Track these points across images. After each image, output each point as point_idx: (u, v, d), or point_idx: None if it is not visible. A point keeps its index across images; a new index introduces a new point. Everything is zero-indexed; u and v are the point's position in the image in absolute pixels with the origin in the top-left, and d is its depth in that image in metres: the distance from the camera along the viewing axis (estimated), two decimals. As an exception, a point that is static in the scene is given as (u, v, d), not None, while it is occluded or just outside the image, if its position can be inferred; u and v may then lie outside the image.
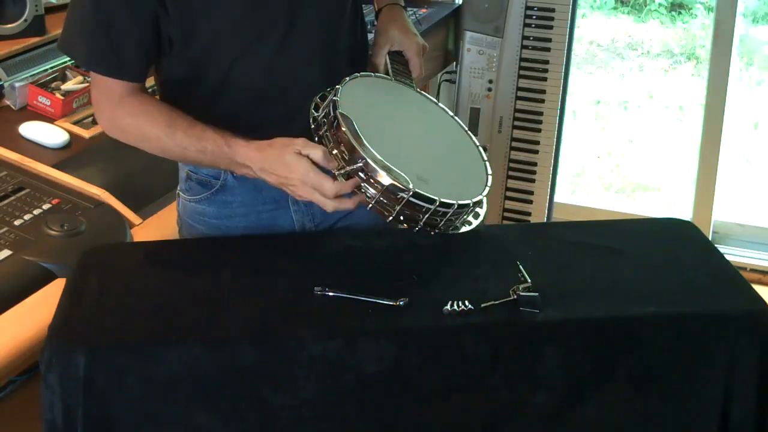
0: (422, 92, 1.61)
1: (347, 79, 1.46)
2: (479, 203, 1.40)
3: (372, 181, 1.33)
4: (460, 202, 1.35)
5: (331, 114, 1.37)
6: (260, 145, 1.41)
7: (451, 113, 1.57)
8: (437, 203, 1.32)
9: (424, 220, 1.34)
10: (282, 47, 1.48)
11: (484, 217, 1.44)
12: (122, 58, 1.44)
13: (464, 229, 1.41)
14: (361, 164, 1.32)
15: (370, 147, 1.33)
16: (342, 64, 1.57)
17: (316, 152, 1.37)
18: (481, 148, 1.50)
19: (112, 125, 1.50)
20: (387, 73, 1.60)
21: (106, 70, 1.46)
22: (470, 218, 1.42)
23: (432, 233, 1.37)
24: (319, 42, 1.51)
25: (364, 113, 1.38)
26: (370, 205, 1.34)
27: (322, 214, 1.57)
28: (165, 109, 1.46)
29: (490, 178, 1.44)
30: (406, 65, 1.64)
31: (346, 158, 1.34)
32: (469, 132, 1.54)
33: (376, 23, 1.70)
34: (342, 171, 1.34)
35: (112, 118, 1.50)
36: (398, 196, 1.32)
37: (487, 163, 1.47)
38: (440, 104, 1.57)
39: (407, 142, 1.46)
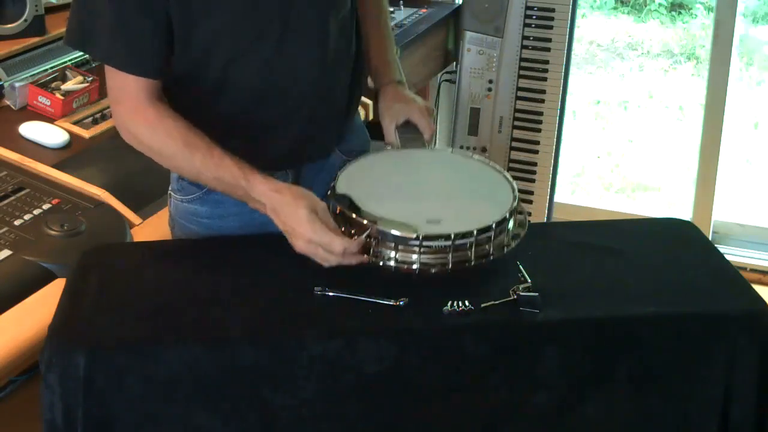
0: (434, 147, 1.62)
1: (346, 164, 1.50)
2: (505, 220, 1.38)
3: (383, 242, 1.34)
4: (479, 227, 1.33)
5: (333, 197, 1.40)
6: (279, 187, 1.41)
7: (469, 153, 1.59)
8: (452, 236, 1.32)
9: (452, 258, 1.34)
10: (281, 46, 1.47)
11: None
12: (137, 51, 1.43)
13: (513, 245, 1.39)
14: (367, 231, 1.34)
15: (369, 212, 1.36)
16: (342, 64, 1.57)
17: (330, 223, 1.37)
18: (505, 172, 1.49)
19: (128, 133, 1.48)
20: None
21: (121, 63, 1.44)
22: (516, 233, 1.41)
23: (469, 265, 1.35)
24: (319, 41, 1.50)
25: (366, 185, 1.40)
26: (394, 267, 1.34)
27: None
28: (184, 128, 1.45)
29: (513, 196, 1.42)
30: (417, 130, 1.65)
31: (354, 232, 1.36)
32: (490, 162, 1.53)
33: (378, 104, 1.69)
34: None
35: (127, 125, 1.48)
36: (412, 246, 1.33)
37: (514, 183, 1.46)
38: (455, 149, 1.56)
39: (415, 193, 1.47)
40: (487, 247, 1.35)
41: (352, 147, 1.67)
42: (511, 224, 1.40)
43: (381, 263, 1.34)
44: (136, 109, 1.46)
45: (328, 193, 1.44)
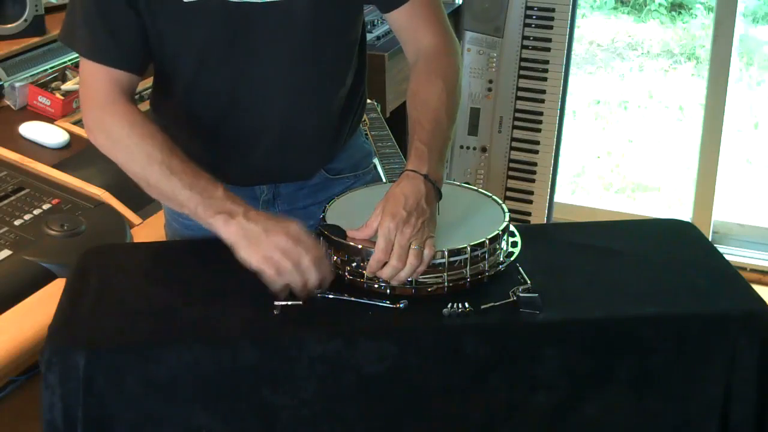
0: None
1: (334, 198, 1.48)
2: (497, 237, 1.37)
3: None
4: (472, 243, 1.33)
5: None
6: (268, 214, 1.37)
7: (456, 182, 1.57)
8: (445, 253, 1.31)
9: (447, 278, 1.33)
10: (247, 68, 1.46)
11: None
12: (113, 41, 1.41)
13: (507, 262, 1.39)
14: (359, 256, 1.33)
15: (359, 236, 1.34)
16: (326, 91, 1.54)
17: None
18: (495, 197, 1.48)
19: (95, 126, 1.44)
20: None
21: (103, 57, 1.42)
22: (509, 250, 1.40)
23: (465, 283, 1.34)
24: (290, 66, 1.47)
25: (354, 216, 1.38)
26: (389, 290, 1.33)
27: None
28: (157, 131, 1.41)
29: (505, 216, 1.41)
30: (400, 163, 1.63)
31: (346, 259, 1.35)
32: (478, 189, 1.53)
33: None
34: (347, 270, 1.34)
35: (98, 118, 1.44)
36: None
37: (504, 206, 1.45)
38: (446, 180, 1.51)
39: None
40: (482, 264, 1.35)
41: (342, 166, 1.65)
42: (504, 243, 1.40)
43: (376, 285, 1.34)
44: (106, 104, 1.42)
45: (317, 227, 1.41)
